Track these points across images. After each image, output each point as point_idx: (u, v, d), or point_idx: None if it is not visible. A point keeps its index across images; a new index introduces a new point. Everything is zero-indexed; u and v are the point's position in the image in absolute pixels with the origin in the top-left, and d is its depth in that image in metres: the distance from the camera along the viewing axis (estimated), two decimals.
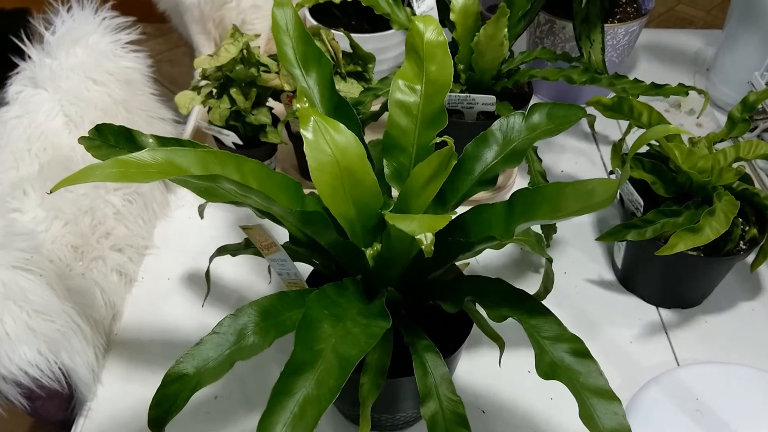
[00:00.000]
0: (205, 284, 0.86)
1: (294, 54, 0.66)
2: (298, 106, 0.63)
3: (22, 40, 0.90)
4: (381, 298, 0.55)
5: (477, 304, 0.64)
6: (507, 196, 1.02)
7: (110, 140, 0.58)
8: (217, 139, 0.95)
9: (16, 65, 0.90)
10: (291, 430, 0.42)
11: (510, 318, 0.55)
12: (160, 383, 0.50)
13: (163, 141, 0.58)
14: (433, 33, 0.66)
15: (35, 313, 0.68)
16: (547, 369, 0.51)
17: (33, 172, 0.81)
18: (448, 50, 0.66)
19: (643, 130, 0.82)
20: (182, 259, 0.91)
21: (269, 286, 0.86)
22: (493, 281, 0.60)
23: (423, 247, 0.46)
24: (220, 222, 0.96)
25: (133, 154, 0.44)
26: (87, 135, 0.59)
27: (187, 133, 1.08)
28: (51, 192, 0.40)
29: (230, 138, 0.90)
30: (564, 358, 0.52)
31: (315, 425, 0.42)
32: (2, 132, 0.84)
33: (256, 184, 0.52)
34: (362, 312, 0.52)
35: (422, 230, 0.47)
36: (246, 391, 0.76)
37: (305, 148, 0.59)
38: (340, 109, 0.66)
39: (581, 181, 0.52)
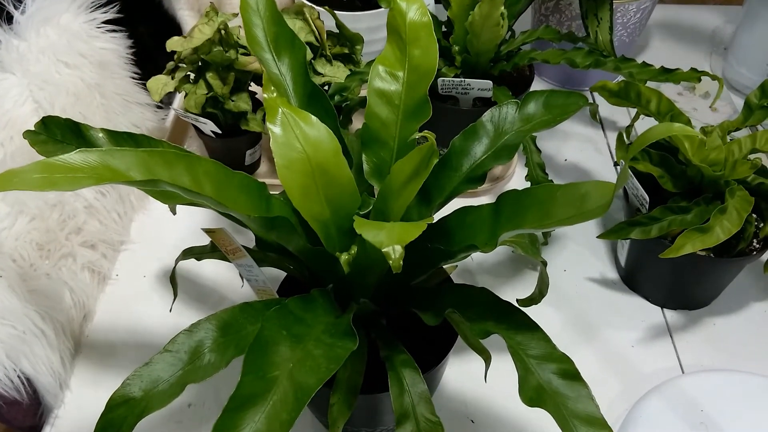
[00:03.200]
0: (184, 282, 0.82)
1: (265, 36, 0.60)
2: (265, 95, 0.58)
3: None
4: (349, 313, 0.50)
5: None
6: (506, 188, 0.97)
7: (57, 134, 0.53)
8: (197, 128, 0.89)
9: None
10: None
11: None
12: (104, 407, 0.46)
13: (114, 136, 0.53)
14: (416, 13, 0.60)
15: None
16: (533, 394, 0.46)
17: None
18: (433, 32, 0.60)
19: (650, 119, 0.76)
20: (160, 255, 0.86)
21: (246, 289, 0.81)
22: (477, 291, 0.55)
23: (390, 262, 0.40)
24: (202, 216, 0.90)
25: (61, 156, 0.39)
26: (32, 129, 0.54)
27: (168, 120, 1.02)
28: None
29: (208, 126, 0.85)
30: (551, 381, 0.47)
31: None
32: None
33: (211, 187, 0.47)
34: (329, 329, 0.47)
35: (390, 242, 0.41)
36: (221, 399, 0.71)
37: (271, 144, 0.53)
38: (314, 99, 0.60)
39: (574, 184, 0.46)
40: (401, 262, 0.40)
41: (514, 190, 0.50)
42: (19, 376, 0.64)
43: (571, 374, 0.47)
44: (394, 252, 0.41)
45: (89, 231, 0.81)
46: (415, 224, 0.43)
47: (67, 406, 0.71)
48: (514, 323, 0.50)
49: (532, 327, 0.50)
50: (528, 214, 0.48)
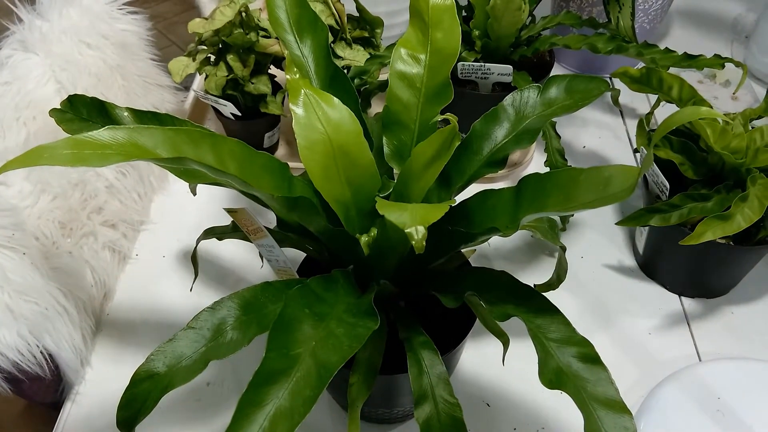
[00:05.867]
0: (203, 263, 0.82)
1: (287, 17, 0.61)
2: (288, 77, 0.58)
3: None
4: (370, 293, 0.50)
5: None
6: (524, 174, 0.96)
7: (83, 113, 0.54)
8: (216, 110, 0.90)
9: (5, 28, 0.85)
10: None
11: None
12: (129, 382, 0.47)
13: (139, 115, 0.54)
14: None
15: (16, 293, 0.64)
16: (552, 376, 0.46)
17: (20, 142, 0.77)
18: (456, 15, 0.60)
19: (672, 105, 0.76)
20: (180, 235, 0.87)
21: (265, 270, 0.82)
22: (497, 274, 0.55)
23: (413, 242, 0.41)
24: (221, 197, 0.91)
25: (89, 132, 0.39)
26: (59, 107, 0.54)
27: (188, 102, 1.03)
28: None
29: (228, 108, 0.85)
30: (571, 364, 0.47)
31: None
32: None
33: (235, 166, 0.47)
34: (350, 308, 0.48)
35: (414, 223, 0.41)
36: (240, 378, 0.72)
37: (294, 125, 0.54)
38: (336, 81, 0.60)
39: (597, 168, 0.46)
40: (424, 243, 0.41)
41: (536, 174, 0.50)
42: (42, 352, 0.65)
43: (591, 358, 0.47)
44: (417, 233, 0.41)
45: (110, 210, 0.82)
46: (438, 205, 0.43)
47: (87, 383, 0.72)
48: (533, 307, 0.50)
49: (552, 311, 0.50)
50: (550, 198, 0.47)
